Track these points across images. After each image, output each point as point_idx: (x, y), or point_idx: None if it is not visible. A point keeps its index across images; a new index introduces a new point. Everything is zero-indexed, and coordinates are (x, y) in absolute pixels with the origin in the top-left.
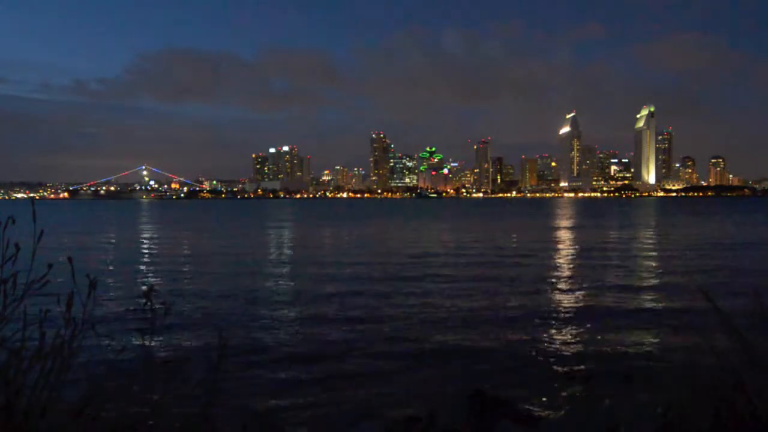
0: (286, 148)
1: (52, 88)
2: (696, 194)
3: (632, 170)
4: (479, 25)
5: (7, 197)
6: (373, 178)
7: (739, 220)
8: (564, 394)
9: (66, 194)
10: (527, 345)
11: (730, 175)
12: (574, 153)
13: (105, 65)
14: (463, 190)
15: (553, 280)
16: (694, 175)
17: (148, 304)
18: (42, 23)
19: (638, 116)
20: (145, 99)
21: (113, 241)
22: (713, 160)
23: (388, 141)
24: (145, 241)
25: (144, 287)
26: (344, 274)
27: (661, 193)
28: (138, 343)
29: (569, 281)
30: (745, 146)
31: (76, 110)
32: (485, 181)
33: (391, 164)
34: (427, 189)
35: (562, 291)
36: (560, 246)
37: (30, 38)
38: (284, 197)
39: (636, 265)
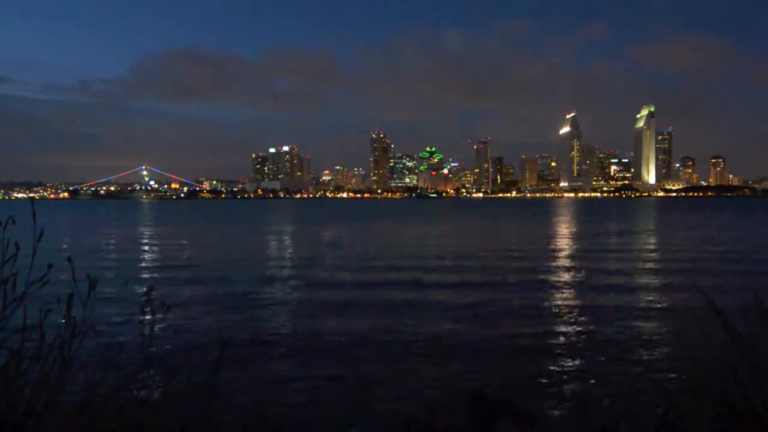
0: (286, 148)
1: (55, 88)
2: (696, 194)
3: (632, 170)
4: (480, 25)
5: (7, 197)
6: (373, 178)
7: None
8: (564, 394)
9: (66, 194)
10: (528, 345)
11: (730, 175)
12: (574, 153)
13: (109, 66)
14: (463, 190)
15: (554, 282)
16: (694, 175)
17: (148, 303)
18: (46, 24)
19: (638, 116)
20: (148, 99)
21: (113, 241)
22: (713, 160)
23: (388, 141)
24: (145, 241)
25: (144, 287)
26: (344, 277)
27: (661, 193)
28: (138, 342)
29: (570, 281)
30: (745, 146)
31: (80, 110)
32: (485, 181)
33: (391, 164)
34: (427, 189)
35: (564, 293)
36: (566, 251)
37: (34, 39)
38: (284, 197)
39: (636, 265)
